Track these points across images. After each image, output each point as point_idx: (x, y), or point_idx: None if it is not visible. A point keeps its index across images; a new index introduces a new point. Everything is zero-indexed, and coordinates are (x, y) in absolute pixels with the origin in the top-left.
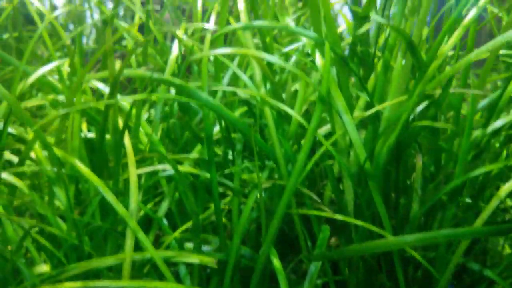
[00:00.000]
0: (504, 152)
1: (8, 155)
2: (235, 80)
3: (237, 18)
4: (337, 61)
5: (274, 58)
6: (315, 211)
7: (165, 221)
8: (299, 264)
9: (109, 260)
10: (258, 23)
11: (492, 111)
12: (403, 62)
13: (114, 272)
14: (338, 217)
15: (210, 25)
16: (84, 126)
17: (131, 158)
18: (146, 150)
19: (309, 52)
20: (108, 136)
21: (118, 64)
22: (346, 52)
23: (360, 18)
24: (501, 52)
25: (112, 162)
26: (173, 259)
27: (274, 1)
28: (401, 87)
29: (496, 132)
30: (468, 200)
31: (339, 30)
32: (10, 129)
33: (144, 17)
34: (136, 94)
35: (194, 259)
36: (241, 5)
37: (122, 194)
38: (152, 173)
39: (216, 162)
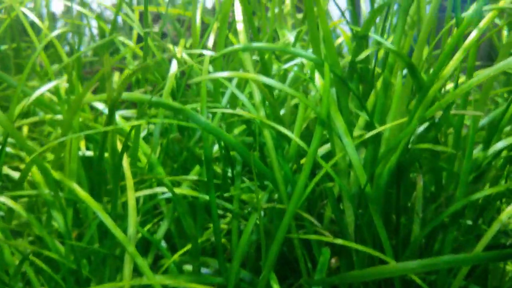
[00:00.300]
0: (505, 173)
1: (5, 169)
2: (234, 98)
3: (236, 32)
4: (337, 82)
5: (274, 82)
6: (316, 236)
7: (163, 242)
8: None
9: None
10: (257, 44)
11: (493, 131)
12: (403, 82)
13: None
14: (339, 241)
15: (208, 51)
16: (82, 143)
17: (129, 182)
18: (145, 169)
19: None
20: (106, 154)
21: (116, 76)
22: (346, 64)
23: (359, 37)
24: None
25: (110, 183)
26: (172, 286)
27: (273, 14)
28: (401, 107)
29: (498, 153)
30: (469, 222)
31: (338, 41)
32: (8, 148)
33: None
34: (134, 108)
35: (193, 285)
36: (240, 25)
37: (121, 218)
38: (151, 195)
39: (215, 181)
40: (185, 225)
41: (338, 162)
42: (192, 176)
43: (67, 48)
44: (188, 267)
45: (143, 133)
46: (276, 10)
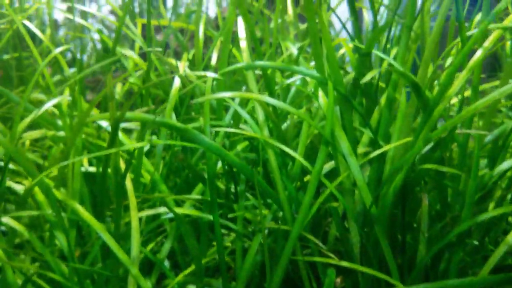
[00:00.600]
0: (511, 193)
1: (8, 183)
2: (238, 113)
3: (239, 45)
4: (341, 99)
5: (277, 102)
6: (321, 258)
7: (167, 261)
8: None
9: None
10: (260, 62)
11: (499, 150)
12: (407, 98)
13: None
14: (344, 263)
15: (212, 73)
16: (84, 159)
17: (132, 202)
18: (148, 186)
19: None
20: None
21: (118, 87)
22: (349, 80)
23: (363, 55)
24: None
25: (113, 202)
26: None
27: (276, 24)
28: (406, 125)
29: (503, 173)
30: (475, 242)
31: (340, 52)
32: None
33: (145, 46)
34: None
35: None
36: (243, 43)
37: (124, 238)
38: (154, 214)
39: (219, 200)
40: (189, 246)
41: (342, 181)
42: (195, 196)
43: (69, 54)
44: (192, 287)
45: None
46: (279, 21)
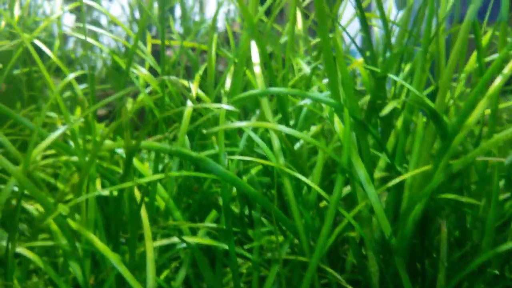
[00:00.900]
0: None
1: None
2: (252, 141)
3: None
4: (357, 125)
5: (293, 131)
6: None
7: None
8: None
9: None
10: (275, 89)
11: None
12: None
13: None
14: None
15: (225, 105)
16: (97, 182)
17: (147, 232)
18: (162, 211)
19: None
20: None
21: (129, 104)
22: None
23: (378, 78)
24: None
25: (128, 231)
26: None
27: (291, 40)
28: (425, 152)
29: None
30: (495, 271)
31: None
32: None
33: (154, 63)
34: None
35: None
36: (257, 68)
37: (139, 268)
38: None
39: (233, 221)
40: (204, 275)
41: (360, 209)
42: (210, 224)
43: (78, 67)
44: None
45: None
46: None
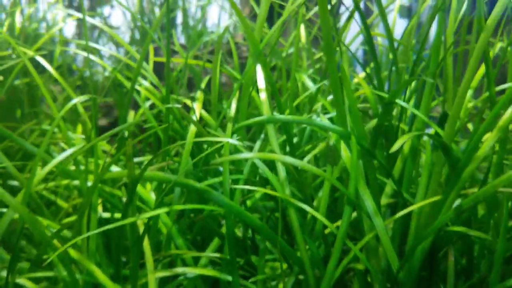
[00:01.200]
0: None
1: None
2: (256, 167)
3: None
4: (364, 152)
5: (298, 162)
6: None
7: None
8: None
9: None
10: (281, 116)
11: None
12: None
13: None
14: None
15: (231, 139)
16: (99, 206)
17: (149, 263)
18: (164, 237)
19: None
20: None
21: (131, 115)
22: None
23: (386, 104)
24: None
25: (130, 261)
26: None
27: (296, 55)
28: (433, 181)
29: None
30: None
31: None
32: None
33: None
34: (150, 148)
35: None
36: (263, 94)
37: None
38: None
39: (236, 246)
40: None
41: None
42: (214, 254)
43: (77, 72)
44: None
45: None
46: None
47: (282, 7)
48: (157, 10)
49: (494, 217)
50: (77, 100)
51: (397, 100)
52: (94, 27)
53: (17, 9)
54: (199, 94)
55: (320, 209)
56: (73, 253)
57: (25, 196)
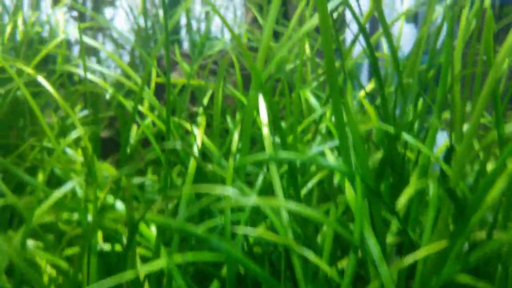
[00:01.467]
0: None
1: None
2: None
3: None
4: (369, 192)
5: (302, 209)
6: None
7: None
8: None
9: None
10: (284, 154)
11: None
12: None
13: None
14: None
15: (230, 191)
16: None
17: None
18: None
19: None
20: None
21: (133, 130)
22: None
23: (392, 138)
24: None
25: None
26: None
27: (300, 72)
28: (440, 222)
29: None
30: None
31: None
32: None
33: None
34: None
35: None
36: (265, 130)
37: None
38: None
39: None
40: None
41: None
42: None
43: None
44: None
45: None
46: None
47: (286, 15)
48: (160, 12)
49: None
50: (75, 135)
51: (404, 134)
52: (98, 29)
53: (19, 15)
54: (201, 118)
55: (324, 253)
56: None
57: (23, 241)
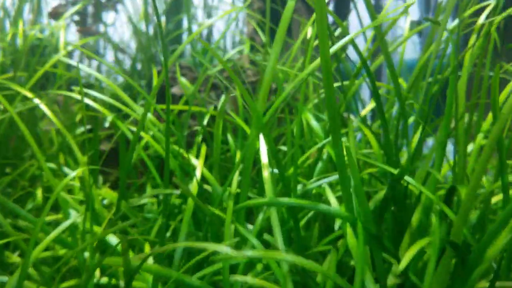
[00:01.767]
0: None
1: None
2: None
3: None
4: (370, 238)
5: (304, 262)
6: None
7: None
8: None
9: None
10: (285, 200)
11: None
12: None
13: None
14: None
15: (229, 250)
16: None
17: None
18: None
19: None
20: None
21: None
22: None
23: (395, 180)
24: None
25: None
26: None
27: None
28: (441, 268)
29: None
30: None
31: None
32: None
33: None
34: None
35: None
36: (266, 172)
37: None
38: None
39: None
40: None
41: None
42: None
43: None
44: None
45: None
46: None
47: (289, 32)
48: (162, 18)
49: None
50: (82, 128)
51: (406, 177)
52: (99, 35)
53: (20, 21)
54: (202, 149)
55: None
56: None
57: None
